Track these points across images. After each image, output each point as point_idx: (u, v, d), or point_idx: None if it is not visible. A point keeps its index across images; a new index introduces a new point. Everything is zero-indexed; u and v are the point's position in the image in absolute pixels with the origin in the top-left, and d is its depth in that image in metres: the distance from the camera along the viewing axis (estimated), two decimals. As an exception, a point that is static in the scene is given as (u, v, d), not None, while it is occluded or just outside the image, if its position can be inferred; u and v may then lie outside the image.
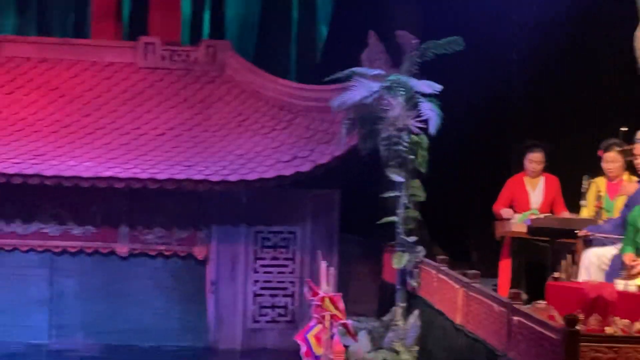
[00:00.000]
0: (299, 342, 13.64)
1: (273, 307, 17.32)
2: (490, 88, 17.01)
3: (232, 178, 16.31)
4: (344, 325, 12.75)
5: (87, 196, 16.70)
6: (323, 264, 14.24)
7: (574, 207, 12.59)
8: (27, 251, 16.99)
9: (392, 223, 15.21)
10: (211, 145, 17.31)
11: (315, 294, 12.84)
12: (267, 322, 17.30)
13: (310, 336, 13.32)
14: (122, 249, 17.11)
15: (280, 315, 17.32)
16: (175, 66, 18.74)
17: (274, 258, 17.32)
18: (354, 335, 13.22)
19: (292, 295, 17.35)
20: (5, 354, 16.09)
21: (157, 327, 17.15)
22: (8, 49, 18.62)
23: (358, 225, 17.10)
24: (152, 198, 16.83)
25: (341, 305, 12.76)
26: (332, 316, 12.55)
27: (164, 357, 16.50)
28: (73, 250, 17.07)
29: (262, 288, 17.29)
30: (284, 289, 17.33)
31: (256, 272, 17.29)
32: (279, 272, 17.34)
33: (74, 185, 16.14)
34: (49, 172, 16.03)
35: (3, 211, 16.84)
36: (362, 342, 14.32)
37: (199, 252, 17.17)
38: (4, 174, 15.92)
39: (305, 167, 16.58)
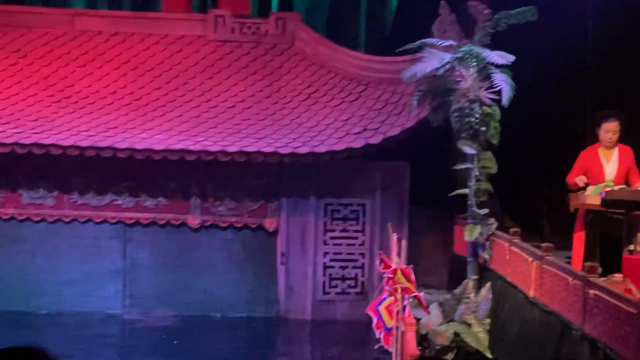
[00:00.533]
0: (370, 314, 13.67)
1: (343, 278, 17.36)
2: (564, 57, 16.75)
3: (302, 150, 16.33)
4: (416, 298, 12.75)
5: (159, 168, 16.86)
6: (394, 236, 14.24)
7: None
8: (100, 222, 17.20)
9: (463, 195, 15.13)
10: (281, 118, 17.35)
11: (387, 266, 12.85)
12: (337, 293, 17.35)
13: (382, 308, 13.35)
14: (194, 220, 17.24)
15: (350, 287, 17.36)
16: (245, 39, 18.78)
17: (344, 230, 17.34)
18: (425, 307, 13.21)
19: (361, 267, 17.37)
20: (80, 324, 16.35)
21: (228, 297, 17.30)
22: (80, 23, 18.83)
23: (428, 197, 17.02)
24: (223, 170, 16.94)
25: (413, 277, 12.75)
26: (404, 289, 12.55)
27: (235, 327, 16.63)
28: (145, 221, 17.25)
29: (332, 260, 17.34)
30: (354, 260, 17.36)
31: (326, 244, 17.32)
32: (349, 244, 17.36)
33: (146, 157, 16.29)
34: (121, 145, 16.20)
35: (77, 183, 17.06)
36: (434, 315, 14.30)
37: (269, 223, 17.25)
38: (77, 147, 16.12)
39: (375, 139, 16.54)
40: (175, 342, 15.57)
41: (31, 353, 2.67)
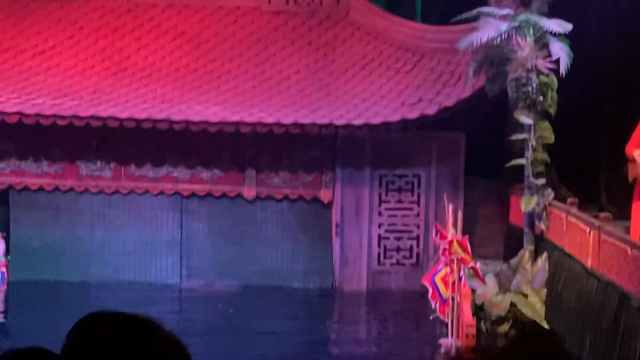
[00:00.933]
0: (426, 284, 13.70)
1: (398, 249, 17.35)
2: (624, 25, 16.51)
3: (357, 122, 16.30)
4: (473, 269, 12.75)
5: (214, 140, 16.94)
6: (449, 207, 14.22)
7: None
8: (157, 194, 17.35)
9: (520, 166, 15.02)
10: (336, 89, 17.33)
11: (443, 237, 12.85)
12: (392, 264, 17.35)
13: (438, 279, 13.37)
14: (249, 192, 17.32)
15: (405, 257, 17.35)
16: (300, 9, 18.77)
17: (399, 201, 17.31)
18: (482, 278, 13.19)
19: (416, 238, 17.34)
20: (139, 295, 16.52)
21: (284, 268, 17.38)
22: (136, -4, 18.93)
23: (484, 168, 16.94)
24: (278, 142, 16.98)
25: (469, 248, 12.74)
26: (460, 259, 12.55)
27: (290, 298, 16.71)
28: (201, 193, 17.36)
29: (387, 231, 17.33)
30: (409, 232, 17.33)
31: (381, 215, 17.32)
32: (404, 215, 17.33)
33: (201, 129, 16.38)
34: (177, 117, 16.29)
35: (134, 155, 17.20)
36: (490, 286, 14.25)
37: (324, 195, 17.28)
38: (134, 119, 16.25)
39: (431, 110, 16.47)
40: (231, 311, 15.70)
41: (32, 354, 2.70)
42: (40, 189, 17.27)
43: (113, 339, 2.18)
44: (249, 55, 18.11)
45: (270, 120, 16.34)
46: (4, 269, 17.18)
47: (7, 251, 17.26)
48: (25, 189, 17.27)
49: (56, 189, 17.28)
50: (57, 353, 2.78)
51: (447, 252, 12.60)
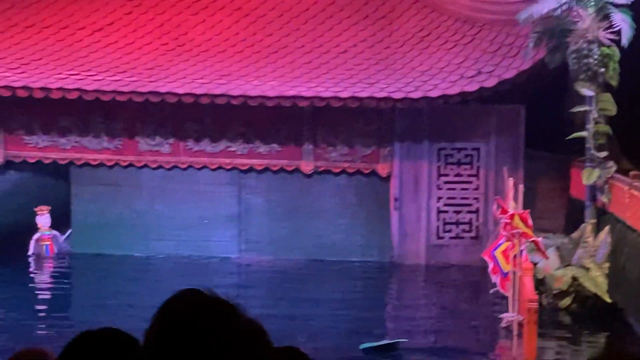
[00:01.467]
0: (486, 259, 13.59)
1: (457, 223, 17.27)
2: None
3: (415, 95, 16.20)
4: (534, 243, 12.63)
5: (272, 115, 16.96)
6: (510, 181, 14.09)
7: None
8: (216, 169, 17.42)
9: (581, 138, 14.86)
10: (394, 62, 17.23)
11: (504, 211, 12.74)
12: (451, 238, 17.28)
13: (498, 253, 13.26)
14: (307, 166, 17.31)
15: (464, 231, 17.26)
16: (356, -17, 18.65)
17: (458, 175, 17.21)
18: (544, 252, 13.08)
19: (476, 212, 17.24)
20: (198, 268, 16.64)
21: (342, 242, 17.39)
22: (192, -29, 18.94)
23: (544, 140, 16.76)
24: (335, 116, 16.94)
25: (530, 222, 12.62)
26: (522, 234, 12.44)
27: (349, 272, 16.71)
28: (259, 168, 17.40)
29: (446, 204, 17.25)
30: (468, 205, 17.23)
31: (439, 188, 17.23)
32: (463, 189, 17.23)
33: (259, 104, 16.39)
34: (235, 92, 16.31)
35: (192, 130, 17.27)
36: (551, 259, 14.14)
37: (382, 169, 17.22)
38: (192, 94, 16.30)
39: (490, 83, 16.31)
40: (288, 285, 15.75)
41: (107, 335, 2.69)
42: (101, 164, 17.42)
43: (198, 323, 2.18)
44: (306, 29, 18.07)
45: (327, 94, 16.30)
46: (48, 243, 17.47)
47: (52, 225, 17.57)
48: (86, 164, 17.44)
49: (116, 164, 17.44)
50: (127, 333, 2.80)
51: (508, 227, 12.49)
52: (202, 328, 2.17)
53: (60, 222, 17.73)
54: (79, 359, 2.53)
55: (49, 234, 17.47)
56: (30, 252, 17.41)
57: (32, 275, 16.81)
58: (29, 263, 17.21)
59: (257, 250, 17.51)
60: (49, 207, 17.42)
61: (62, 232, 17.83)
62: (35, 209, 17.35)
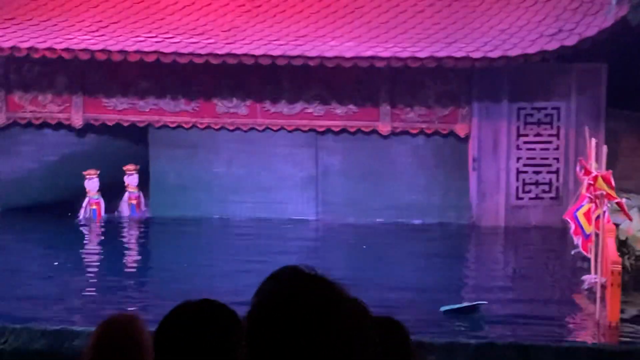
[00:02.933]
0: (568, 220, 13.39)
1: (536, 183, 17.05)
2: None
3: (494, 54, 15.97)
4: (618, 204, 12.39)
5: (348, 76, 16.86)
6: (592, 141, 13.82)
7: None
8: (292, 131, 17.40)
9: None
10: (472, 21, 17.00)
11: (587, 172, 12.52)
12: (531, 199, 17.07)
13: (580, 214, 13.05)
14: (384, 127, 17.21)
15: (544, 192, 17.04)
16: (434, -59, 18.39)
17: (537, 134, 16.97)
18: (627, 214, 12.83)
19: (556, 172, 17.00)
20: (276, 230, 16.69)
21: (420, 204, 17.28)
22: None
23: (626, 99, 16.41)
24: (413, 76, 16.79)
25: (613, 183, 12.39)
26: (605, 195, 12.22)
27: (427, 233, 16.61)
28: (336, 129, 17.34)
29: (525, 165, 17.03)
30: (548, 165, 17.00)
31: (519, 148, 17.02)
32: (543, 149, 16.99)
33: (336, 65, 16.29)
34: (312, 53, 16.24)
35: (269, 92, 17.27)
36: (634, 220, 13.87)
37: (460, 129, 17.05)
38: (269, 56, 16.26)
39: (571, 41, 16.00)
40: (364, 246, 15.72)
41: (205, 306, 2.65)
42: (178, 126, 17.51)
43: (301, 302, 2.13)
44: (382, -12, 17.88)
45: (405, 54, 16.14)
46: (95, 207, 17.62)
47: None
48: (164, 126, 17.54)
49: (193, 126, 17.51)
50: (226, 306, 2.77)
51: (591, 188, 12.28)
52: (305, 308, 2.13)
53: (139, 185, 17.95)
54: (180, 329, 2.51)
55: (97, 199, 17.60)
56: (80, 217, 17.52)
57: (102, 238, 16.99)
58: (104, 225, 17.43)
59: (334, 213, 17.49)
60: (98, 171, 17.44)
61: (146, 195, 18.00)
62: (84, 172, 17.41)
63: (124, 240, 16.97)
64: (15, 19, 17.13)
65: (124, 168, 17.68)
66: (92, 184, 17.55)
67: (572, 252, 13.75)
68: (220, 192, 17.59)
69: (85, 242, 16.47)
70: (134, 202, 17.85)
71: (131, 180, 17.75)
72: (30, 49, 16.32)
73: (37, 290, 12.58)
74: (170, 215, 17.36)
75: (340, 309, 2.12)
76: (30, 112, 17.55)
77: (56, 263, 14.25)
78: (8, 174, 17.63)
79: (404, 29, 16.97)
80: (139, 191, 17.87)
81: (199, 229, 16.92)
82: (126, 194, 17.85)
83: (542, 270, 14.38)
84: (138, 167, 17.71)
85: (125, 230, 17.45)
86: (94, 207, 17.62)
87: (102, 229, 17.25)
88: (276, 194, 17.52)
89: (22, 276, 13.45)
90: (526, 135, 16.97)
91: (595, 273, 12.51)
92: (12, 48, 16.33)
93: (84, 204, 17.59)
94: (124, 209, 17.89)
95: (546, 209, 16.88)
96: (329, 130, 17.37)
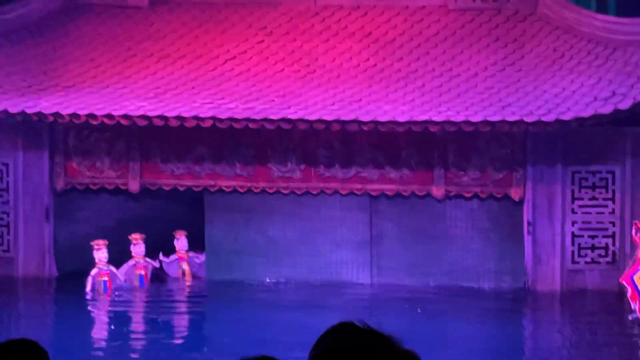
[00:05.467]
0: (624, 284, 13.31)
1: (592, 247, 16.92)
2: None
3: (548, 118, 15.95)
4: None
5: (402, 140, 16.95)
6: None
7: None
8: (346, 194, 17.47)
9: None
10: (525, 85, 17.04)
11: (644, 236, 12.43)
12: (587, 263, 16.93)
13: (637, 278, 12.97)
14: (438, 191, 17.22)
15: (600, 256, 16.90)
16: (486, 6, 18.56)
17: (593, 198, 16.88)
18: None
19: (612, 236, 16.86)
20: (330, 293, 16.69)
21: (475, 268, 17.23)
22: (323, -2, 19.15)
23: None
24: (466, 140, 16.84)
25: (671, 247, 12.29)
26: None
27: (483, 297, 16.54)
28: (390, 193, 17.38)
29: (581, 229, 16.92)
30: (604, 229, 16.87)
31: (574, 212, 16.93)
32: (598, 213, 16.89)
33: (390, 129, 16.39)
34: (366, 118, 16.33)
35: (323, 156, 17.37)
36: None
37: (514, 193, 17.02)
38: (323, 121, 16.36)
39: (625, 104, 15.96)
40: (419, 310, 15.66)
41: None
42: (234, 190, 17.67)
43: (356, 352, 2.20)
44: (435, 53, 18.03)
45: (458, 118, 16.17)
46: (105, 278, 16.90)
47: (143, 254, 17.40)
48: (219, 190, 17.71)
49: (249, 190, 17.66)
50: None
51: (648, 252, 12.18)
52: (362, 358, 2.19)
53: (193, 246, 18.11)
54: None
55: (106, 269, 16.87)
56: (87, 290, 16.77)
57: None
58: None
59: (388, 276, 17.48)
60: (143, 235, 17.28)
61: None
62: (130, 237, 17.19)
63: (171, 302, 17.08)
64: (75, 86, 17.50)
65: (130, 237, 17.28)
66: (137, 248, 17.30)
67: (630, 317, 13.60)
68: (274, 256, 17.67)
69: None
70: (142, 272, 17.43)
71: (137, 249, 17.35)
72: (89, 115, 16.63)
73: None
74: (226, 278, 17.46)
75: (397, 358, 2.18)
76: (89, 177, 17.83)
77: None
78: (66, 239, 17.89)
79: (458, 92, 17.05)
80: (146, 260, 17.56)
81: (252, 292, 16.93)
82: (131, 262, 17.30)
83: (599, 337, 14.22)
84: (144, 235, 17.37)
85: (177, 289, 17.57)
86: (105, 278, 16.87)
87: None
88: (330, 257, 17.57)
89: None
90: (581, 199, 16.89)
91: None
92: (72, 115, 16.65)
93: (91, 274, 16.80)
94: (132, 279, 17.34)
95: (602, 273, 16.72)
96: (382, 194, 17.42)
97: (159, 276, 17.93)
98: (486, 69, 17.58)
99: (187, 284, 17.96)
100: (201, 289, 17.80)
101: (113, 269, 17.05)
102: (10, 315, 15.86)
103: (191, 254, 18.13)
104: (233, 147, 17.49)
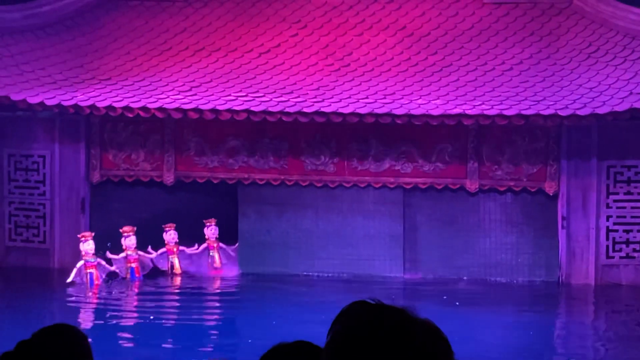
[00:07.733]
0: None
1: (627, 242, 16.85)
2: None
3: (583, 112, 15.91)
4: None
5: (436, 133, 16.95)
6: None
7: None
8: (380, 187, 17.49)
9: None
10: (560, 79, 16.98)
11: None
12: (621, 257, 16.87)
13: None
14: (472, 184, 17.20)
15: (635, 250, 16.83)
16: (521, 0, 18.49)
17: (628, 193, 16.82)
18: None
19: (647, 231, 16.78)
20: (363, 286, 16.71)
21: (509, 261, 17.21)
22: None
23: None
24: (500, 134, 16.81)
25: None
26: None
27: (517, 291, 16.53)
28: (423, 186, 17.39)
29: (615, 223, 16.86)
30: (639, 224, 16.78)
31: (609, 207, 16.87)
32: (633, 207, 16.82)
33: (423, 123, 16.39)
34: (399, 111, 16.37)
35: (356, 149, 17.40)
36: None
37: (549, 187, 16.97)
38: (357, 114, 16.39)
39: (661, 98, 15.88)
40: (457, 303, 15.67)
41: (300, 347, 2.80)
42: (267, 183, 17.73)
43: (375, 331, 2.25)
44: (470, 47, 18.00)
45: (492, 112, 16.16)
46: (92, 270, 16.71)
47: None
48: (253, 183, 17.78)
49: (282, 183, 17.71)
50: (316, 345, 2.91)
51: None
52: (381, 336, 2.24)
53: (225, 239, 18.18)
54: None
55: (93, 261, 16.76)
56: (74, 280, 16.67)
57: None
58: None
59: (421, 269, 17.49)
60: (134, 228, 17.23)
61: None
62: (121, 230, 17.17)
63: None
64: (111, 79, 17.62)
65: (121, 230, 17.17)
66: (128, 241, 17.12)
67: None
68: (307, 248, 17.72)
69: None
70: (133, 265, 17.30)
71: (128, 242, 17.22)
72: (125, 108, 16.76)
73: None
74: (259, 271, 17.54)
75: (414, 328, 2.23)
76: (124, 170, 17.96)
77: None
78: (101, 230, 18.02)
79: (492, 86, 17.03)
80: (137, 253, 17.40)
81: (285, 285, 16.98)
82: (124, 254, 17.21)
83: (633, 332, 14.16)
84: (135, 228, 17.30)
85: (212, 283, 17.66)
86: (91, 270, 16.71)
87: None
88: (363, 250, 17.60)
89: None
90: (616, 193, 16.82)
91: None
92: (108, 107, 16.78)
93: (77, 266, 16.67)
94: (122, 270, 17.25)
95: (637, 267, 16.66)
96: (416, 187, 17.42)
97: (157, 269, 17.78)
98: (521, 62, 17.53)
99: (177, 277, 17.73)
100: (233, 281, 17.86)
101: (101, 260, 16.94)
102: (45, 306, 15.99)
103: (223, 245, 18.19)
104: (267, 140, 17.55)
